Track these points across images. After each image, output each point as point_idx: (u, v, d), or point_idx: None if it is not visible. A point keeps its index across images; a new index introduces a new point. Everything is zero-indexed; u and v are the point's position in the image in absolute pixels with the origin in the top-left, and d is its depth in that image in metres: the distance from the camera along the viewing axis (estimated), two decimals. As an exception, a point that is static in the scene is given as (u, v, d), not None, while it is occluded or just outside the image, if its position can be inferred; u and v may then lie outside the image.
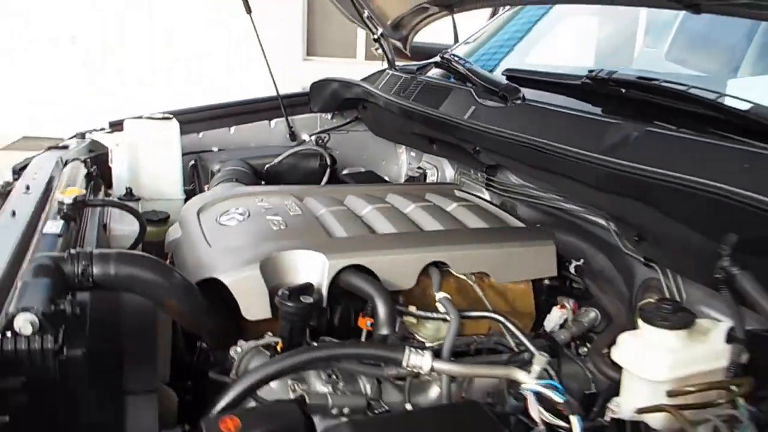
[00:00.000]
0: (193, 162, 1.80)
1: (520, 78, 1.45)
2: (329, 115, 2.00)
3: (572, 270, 1.15)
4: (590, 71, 1.23)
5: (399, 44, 2.01)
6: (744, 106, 0.95)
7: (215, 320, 0.94)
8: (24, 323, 0.67)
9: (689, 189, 0.84)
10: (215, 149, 1.87)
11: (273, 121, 1.96)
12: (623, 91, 1.13)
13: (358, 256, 1.00)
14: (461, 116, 1.39)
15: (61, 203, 1.00)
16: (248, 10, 1.92)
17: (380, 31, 1.93)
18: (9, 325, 0.67)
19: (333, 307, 1.00)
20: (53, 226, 0.92)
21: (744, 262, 0.79)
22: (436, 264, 1.06)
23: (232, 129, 1.93)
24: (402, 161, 2.05)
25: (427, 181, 1.84)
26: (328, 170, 1.76)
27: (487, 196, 1.54)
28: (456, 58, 1.74)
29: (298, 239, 1.06)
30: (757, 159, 0.82)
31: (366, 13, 1.88)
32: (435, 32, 1.97)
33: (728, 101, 1.01)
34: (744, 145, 0.86)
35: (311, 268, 0.98)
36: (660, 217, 0.91)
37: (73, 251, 0.81)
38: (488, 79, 1.49)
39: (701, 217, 0.86)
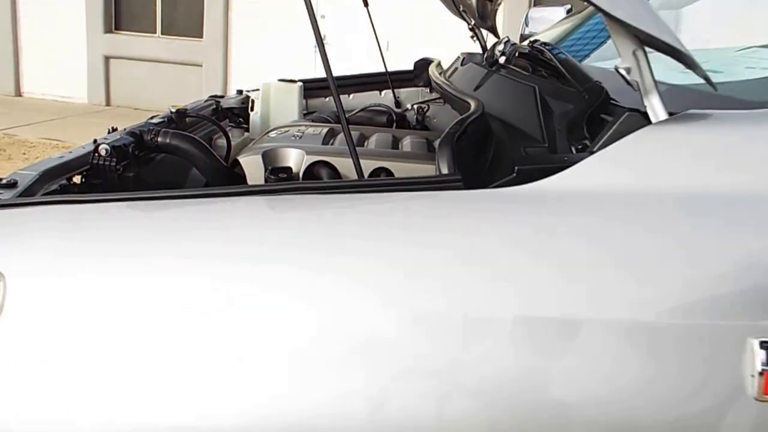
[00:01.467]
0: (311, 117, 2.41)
1: None
2: (428, 89, 2.48)
3: None
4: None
5: (491, 33, 2.41)
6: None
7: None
8: (102, 149, 1.30)
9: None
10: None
11: (383, 92, 2.50)
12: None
13: (328, 156, 1.49)
14: None
15: (169, 111, 1.67)
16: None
17: (472, 22, 2.35)
18: (96, 149, 1.31)
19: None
20: (155, 119, 1.60)
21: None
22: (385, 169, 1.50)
23: (351, 96, 2.50)
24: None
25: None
26: (394, 125, 2.25)
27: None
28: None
29: (299, 143, 1.58)
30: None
31: (461, 7, 2.32)
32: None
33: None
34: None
35: (296, 160, 1.50)
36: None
37: (150, 127, 1.45)
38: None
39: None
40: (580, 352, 0.68)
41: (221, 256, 0.76)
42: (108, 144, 1.30)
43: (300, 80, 2.37)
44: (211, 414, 0.70)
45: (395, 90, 2.46)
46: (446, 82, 1.87)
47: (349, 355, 0.70)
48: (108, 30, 8.55)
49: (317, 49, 0.94)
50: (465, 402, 0.68)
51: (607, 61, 1.15)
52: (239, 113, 2.23)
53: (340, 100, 0.98)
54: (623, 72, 0.77)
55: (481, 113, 1.13)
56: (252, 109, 2.27)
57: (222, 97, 2.36)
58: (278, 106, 2.21)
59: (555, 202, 0.75)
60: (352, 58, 6.34)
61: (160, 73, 8.41)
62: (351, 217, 0.78)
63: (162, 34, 8.46)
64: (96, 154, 1.28)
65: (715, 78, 0.85)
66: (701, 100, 0.89)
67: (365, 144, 1.72)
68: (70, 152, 1.31)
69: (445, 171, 0.85)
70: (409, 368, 0.69)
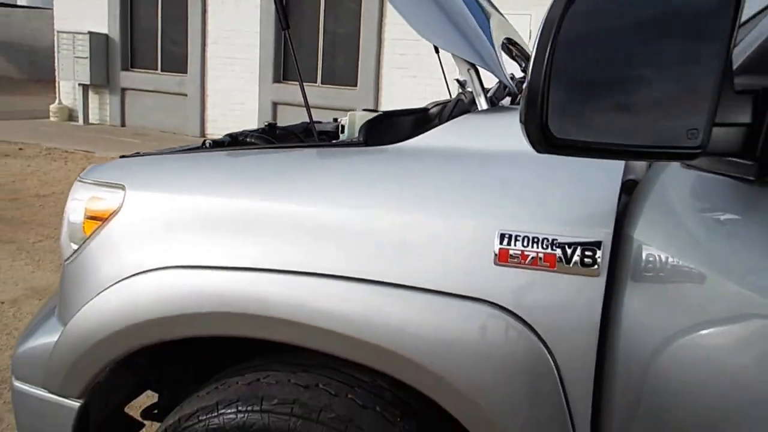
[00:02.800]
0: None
1: None
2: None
3: None
4: None
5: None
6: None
7: None
8: (207, 143, 1.97)
9: None
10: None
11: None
12: None
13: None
14: None
15: (265, 124, 2.33)
16: (284, 27, 2.73)
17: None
18: (203, 143, 1.98)
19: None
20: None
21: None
22: None
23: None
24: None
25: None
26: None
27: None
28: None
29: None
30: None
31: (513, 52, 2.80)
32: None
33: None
34: None
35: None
36: None
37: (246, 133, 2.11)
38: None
39: None
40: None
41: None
42: (210, 140, 1.96)
43: (383, 111, 2.97)
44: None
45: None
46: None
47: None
48: (276, 80, 9.90)
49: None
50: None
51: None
52: (332, 136, 2.87)
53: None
54: (462, 81, 1.27)
55: (384, 113, 1.62)
56: (342, 132, 2.90)
57: (321, 122, 3.03)
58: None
59: (410, 151, 1.26)
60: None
61: (319, 117, 9.54)
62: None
63: (321, 83, 9.62)
64: (202, 145, 1.95)
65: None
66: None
67: None
68: (188, 146, 1.98)
69: (360, 138, 1.40)
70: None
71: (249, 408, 1.25)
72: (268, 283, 1.20)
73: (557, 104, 0.66)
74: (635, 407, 0.98)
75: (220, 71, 10.31)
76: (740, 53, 0.88)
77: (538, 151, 0.70)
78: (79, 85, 11.62)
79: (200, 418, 1.29)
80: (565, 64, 0.66)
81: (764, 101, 0.78)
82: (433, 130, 1.28)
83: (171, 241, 1.29)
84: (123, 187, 1.38)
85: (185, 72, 10.74)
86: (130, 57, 11.48)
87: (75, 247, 1.42)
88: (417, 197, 1.16)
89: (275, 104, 9.87)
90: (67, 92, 11.98)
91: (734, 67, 0.78)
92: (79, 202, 1.42)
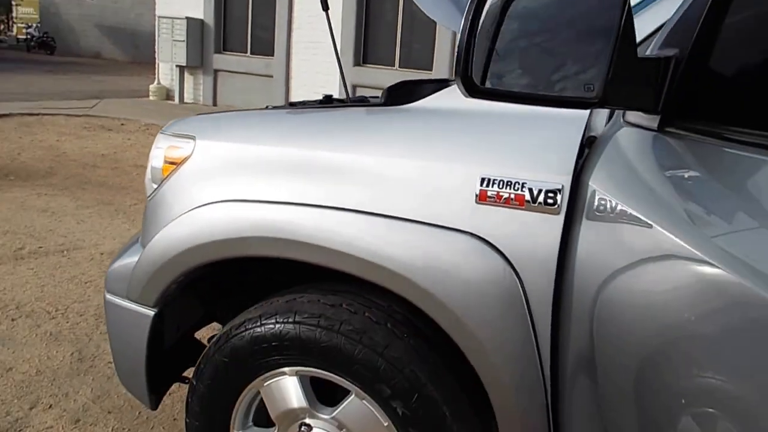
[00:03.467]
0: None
1: None
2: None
3: None
4: None
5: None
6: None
7: None
8: (268, 108, 2.29)
9: None
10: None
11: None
12: None
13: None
14: None
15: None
16: (325, 7, 2.60)
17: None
18: (266, 107, 2.30)
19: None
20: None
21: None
22: None
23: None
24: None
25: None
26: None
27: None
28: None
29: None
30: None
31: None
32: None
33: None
34: None
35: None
36: None
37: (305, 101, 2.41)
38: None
39: None
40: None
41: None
42: (272, 106, 2.27)
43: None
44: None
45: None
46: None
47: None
48: (357, 64, 10.25)
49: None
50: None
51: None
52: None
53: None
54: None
55: (405, 81, 1.85)
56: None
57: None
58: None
59: (417, 110, 1.53)
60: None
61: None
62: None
63: (399, 67, 9.90)
64: (264, 108, 2.27)
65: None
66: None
67: None
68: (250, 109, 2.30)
69: (382, 100, 1.66)
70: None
71: (284, 320, 1.55)
72: (300, 214, 1.49)
73: (478, 61, 0.90)
74: (585, 329, 1.20)
75: (304, 55, 10.78)
76: (662, 31, 1.09)
77: (466, 97, 0.95)
78: (176, 66, 12.42)
79: (246, 327, 1.60)
80: (486, 31, 0.89)
81: (665, 67, 1.00)
82: (436, 94, 1.53)
83: (227, 181, 1.61)
84: (194, 138, 1.70)
85: (272, 55, 11.30)
86: (222, 41, 12.16)
87: (155, 186, 1.76)
88: (418, 148, 1.42)
89: (354, 87, 10.24)
90: (165, 73, 12.82)
91: (650, 39, 1.00)
92: (160, 150, 1.76)
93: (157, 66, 12.93)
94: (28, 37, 27.42)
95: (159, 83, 12.95)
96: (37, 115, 9.76)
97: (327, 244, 1.44)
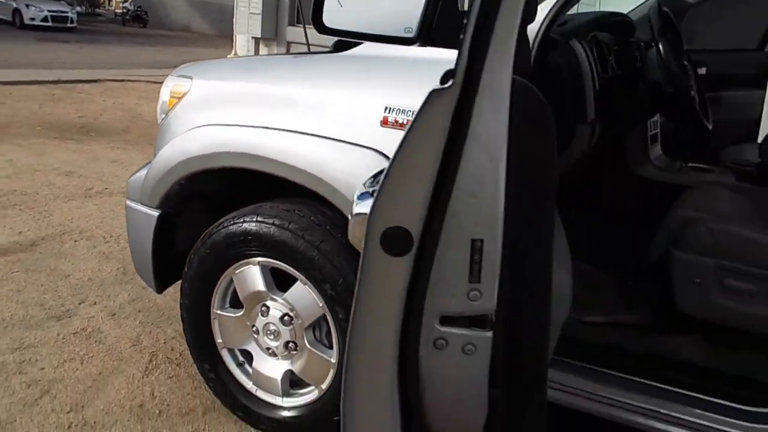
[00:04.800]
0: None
1: None
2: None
3: None
4: None
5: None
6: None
7: None
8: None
9: None
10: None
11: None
12: None
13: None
14: None
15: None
16: None
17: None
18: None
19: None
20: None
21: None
22: None
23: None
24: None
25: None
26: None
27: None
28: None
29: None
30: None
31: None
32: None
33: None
34: None
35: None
36: None
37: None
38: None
39: None
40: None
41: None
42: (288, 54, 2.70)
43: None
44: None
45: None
46: None
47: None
48: (418, 38, 10.57)
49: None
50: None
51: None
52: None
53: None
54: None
55: None
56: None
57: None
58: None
59: (349, 56, 1.92)
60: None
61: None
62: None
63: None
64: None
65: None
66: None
67: None
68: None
69: (330, 48, 2.08)
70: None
71: (250, 219, 1.99)
72: (258, 134, 1.92)
73: (328, 7, 1.29)
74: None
75: (369, 29, 11.20)
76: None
77: (319, 33, 1.34)
78: (252, 38, 13.10)
79: (223, 225, 2.05)
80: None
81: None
82: (366, 43, 1.92)
83: (211, 110, 2.06)
84: (191, 78, 2.17)
85: (340, 29, 11.74)
86: (296, 14, 12.72)
87: (164, 116, 2.24)
88: (340, 82, 1.83)
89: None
90: (242, 45, 13.53)
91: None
92: (167, 87, 2.24)
93: (234, 38, 13.68)
94: (124, 11, 29.12)
95: (236, 54, 13.68)
96: (122, 81, 10.65)
97: (273, 156, 1.88)
